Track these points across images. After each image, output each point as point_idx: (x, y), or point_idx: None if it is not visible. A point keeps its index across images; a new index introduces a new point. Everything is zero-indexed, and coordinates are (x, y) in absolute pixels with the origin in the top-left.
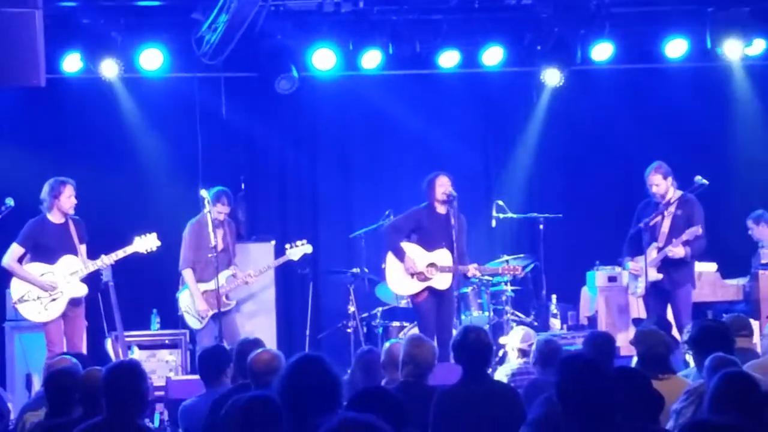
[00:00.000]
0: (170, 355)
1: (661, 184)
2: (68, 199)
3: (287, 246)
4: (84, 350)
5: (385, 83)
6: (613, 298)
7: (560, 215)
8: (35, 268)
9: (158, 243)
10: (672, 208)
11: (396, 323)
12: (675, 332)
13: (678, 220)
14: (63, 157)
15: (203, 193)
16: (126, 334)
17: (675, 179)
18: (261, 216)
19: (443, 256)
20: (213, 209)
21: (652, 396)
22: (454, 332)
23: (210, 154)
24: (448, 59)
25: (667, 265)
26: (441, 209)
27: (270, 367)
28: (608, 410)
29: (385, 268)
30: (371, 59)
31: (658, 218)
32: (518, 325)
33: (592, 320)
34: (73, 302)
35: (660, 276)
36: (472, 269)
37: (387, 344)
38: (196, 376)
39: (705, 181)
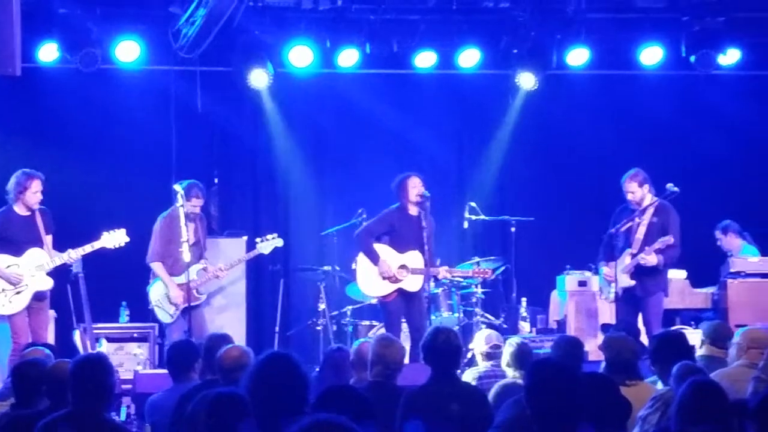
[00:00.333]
0: (138, 348)
1: (636, 191)
2: (34, 194)
3: (258, 240)
4: (51, 342)
5: (362, 82)
6: (583, 302)
7: (532, 218)
8: (0, 260)
9: (127, 239)
10: (648, 215)
11: (366, 322)
12: (644, 339)
13: (653, 227)
14: (35, 147)
15: (176, 187)
16: (94, 326)
17: (652, 186)
18: (233, 211)
19: (414, 258)
20: (187, 203)
21: (620, 402)
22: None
23: (184, 147)
24: (425, 60)
25: (639, 272)
26: (413, 210)
27: (239, 364)
28: (576, 414)
29: (356, 269)
30: (348, 57)
31: (630, 224)
32: (486, 328)
33: (561, 324)
34: (38, 296)
35: (632, 282)
36: (442, 271)
37: (356, 343)
38: (164, 371)
39: (676, 189)
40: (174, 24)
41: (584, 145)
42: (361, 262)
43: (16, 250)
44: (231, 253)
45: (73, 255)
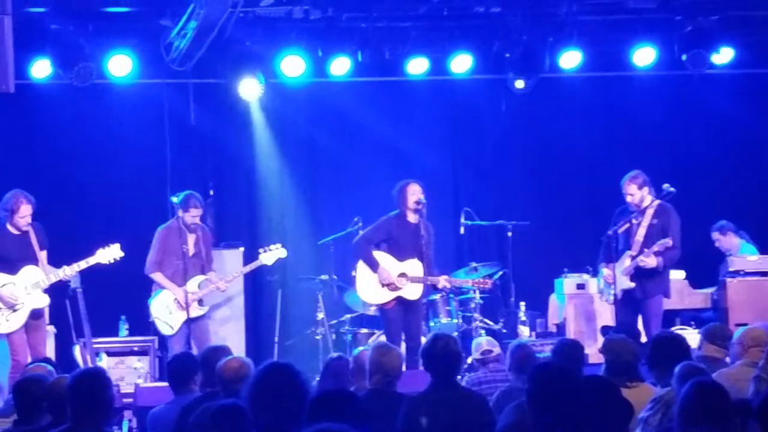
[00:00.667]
0: (139, 362)
1: (635, 194)
2: (22, 218)
3: (261, 250)
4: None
5: (354, 90)
6: (582, 305)
7: (528, 222)
8: None
9: (121, 253)
10: (648, 217)
11: (365, 330)
12: (644, 341)
13: (653, 229)
14: (30, 164)
15: (174, 199)
16: (94, 340)
17: (652, 188)
18: (229, 222)
19: (414, 266)
20: (186, 214)
21: (621, 404)
22: (423, 340)
23: (178, 160)
24: (417, 66)
25: (639, 274)
26: (412, 218)
27: (239, 375)
28: (578, 418)
29: (356, 276)
30: (340, 66)
31: (629, 226)
32: (485, 333)
33: (561, 327)
34: (35, 313)
35: (632, 284)
36: (442, 281)
37: (355, 352)
38: (165, 383)
39: (672, 189)
40: (165, 37)
41: (579, 148)
42: (361, 269)
43: (11, 268)
44: (228, 265)
45: (68, 272)
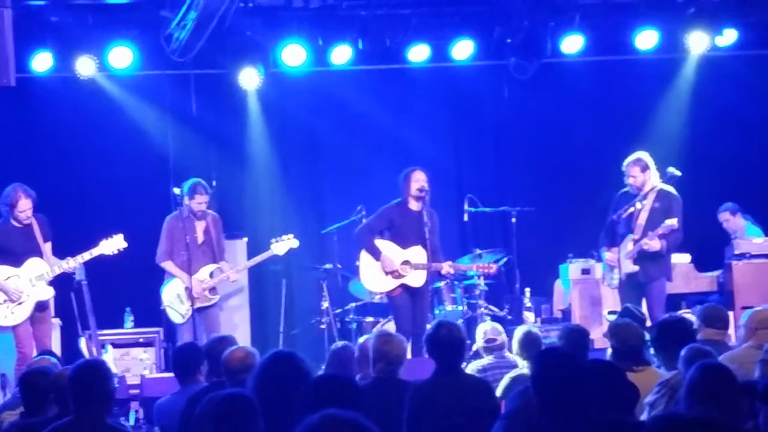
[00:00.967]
0: (144, 353)
1: (638, 176)
2: (22, 212)
3: (273, 240)
4: (56, 350)
5: (355, 78)
6: (587, 290)
7: (532, 208)
8: (0, 272)
9: (125, 244)
10: (650, 201)
11: (370, 319)
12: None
13: (655, 212)
14: (32, 157)
15: (176, 190)
16: (99, 332)
17: (656, 171)
18: (233, 213)
19: (418, 253)
20: (192, 201)
21: (627, 388)
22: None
23: (181, 151)
24: (418, 54)
25: (642, 257)
26: (414, 205)
27: (244, 365)
28: (584, 403)
29: (360, 266)
30: (341, 54)
31: (632, 209)
32: (490, 320)
33: (566, 313)
34: (40, 305)
35: (636, 268)
36: (446, 267)
37: (360, 340)
38: (171, 374)
39: (677, 172)
40: (166, 28)
41: (582, 132)
42: (364, 259)
43: (15, 260)
44: (233, 255)
45: (72, 263)
